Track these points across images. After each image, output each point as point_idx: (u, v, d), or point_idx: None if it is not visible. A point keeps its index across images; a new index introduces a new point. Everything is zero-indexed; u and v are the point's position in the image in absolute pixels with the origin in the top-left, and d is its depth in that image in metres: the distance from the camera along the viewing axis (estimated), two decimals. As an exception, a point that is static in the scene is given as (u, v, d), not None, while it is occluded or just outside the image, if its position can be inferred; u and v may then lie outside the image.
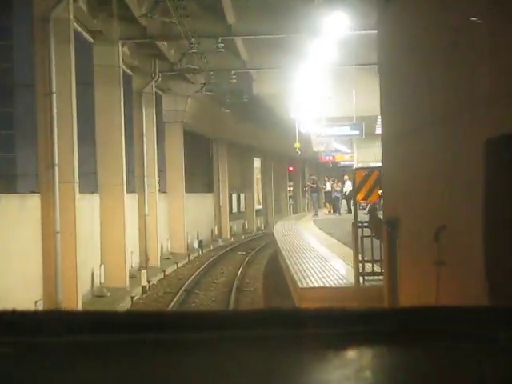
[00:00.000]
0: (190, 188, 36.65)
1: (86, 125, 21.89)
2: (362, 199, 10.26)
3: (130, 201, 25.20)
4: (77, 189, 15.55)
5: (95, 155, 21.33)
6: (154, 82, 26.35)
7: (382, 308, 1.88)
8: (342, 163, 50.36)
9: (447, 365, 1.25)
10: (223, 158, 41.35)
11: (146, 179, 25.94)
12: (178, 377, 1.24)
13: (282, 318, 1.40)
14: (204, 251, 32.40)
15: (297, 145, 33.97)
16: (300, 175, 65.28)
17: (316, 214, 33.98)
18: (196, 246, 31.46)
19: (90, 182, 21.33)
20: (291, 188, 61.83)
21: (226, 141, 41.27)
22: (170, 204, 31.42)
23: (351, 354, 1.33)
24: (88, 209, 19.66)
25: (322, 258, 12.87)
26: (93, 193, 20.75)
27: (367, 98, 28.97)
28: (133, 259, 23.83)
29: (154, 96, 26.85)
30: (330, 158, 46.72)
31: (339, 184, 36.44)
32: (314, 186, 34.25)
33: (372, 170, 11.00)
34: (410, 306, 1.61)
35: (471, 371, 1.23)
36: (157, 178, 26.73)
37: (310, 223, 27.51)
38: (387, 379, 1.20)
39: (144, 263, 25.66)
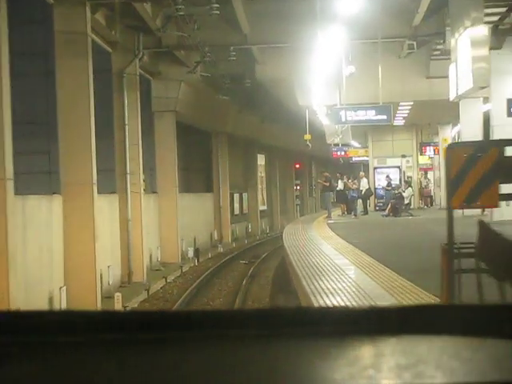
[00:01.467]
0: (186, 187, 32.59)
1: (48, 110, 17.54)
2: (465, 201, 5.71)
3: (109, 203, 20.94)
4: (9, 188, 11.21)
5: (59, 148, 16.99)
6: (137, 61, 21.99)
7: (387, 306, 1.42)
8: (354, 159, 46.13)
9: (452, 363, 1.23)
10: (223, 154, 37.00)
11: (128, 177, 21.61)
12: (180, 375, 1.24)
13: (286, 317, 1.39)
14: (201, 260, 28.04)
15: (307, 136, 29.65)
16: (307, 173, 60.91)
17: (329, 217, 29.63)
18: (191, 254, 27.08)
19: (51, 182, 16.97)
20: (298, 187, 57.51)
21: (227, 134, 36.88)
22: (160, 206, 27.11)
23: (356, 352, 1.31)
24: (44, 214, 15.34)
25: (366, 296, 8.43)
26: (54, 194, 16.37)
27: (388, 83, 24.58)
28: (110, 275, 19.50)
29: (139, 77, 22.46)
30: (342, 153, 42.40)
31: (355, 182, 32.12)
32: (327, 184, 29.82)
33: (486, 145, 6.46)
34: (414, 304, 1.80)
35: (475, 369, 1.21)
36: (142, 176, 22.36)
37: (325, 228, 23.15)
38: (393, 378, 1.18)
39: (126, 278, 21.35)
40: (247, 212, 42.59)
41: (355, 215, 30.41)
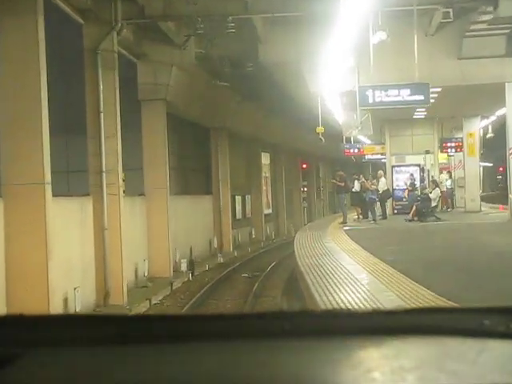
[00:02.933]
0: (182, 189, 28.77)
1: None
2: None
3: (80, 208, 17.04)
4: None
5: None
6: (115, 34, 18.01)
7: (390, 309, 1.46)
8: (368, 157, 42.12)
9: (455, 365, 1.22)
10: (224, 152, 33.00)
11: (104, 176, 17.69)
12: (182, 375, 1.24)
13: (290, 319, 1.39)
14: (197, 273, 24.09)
15: (319, 129, 25.64)
16: (314, 173, 56.89)
17: (345, 222, 25.66)
18: (184, 268, 23.07)
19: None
20: (305, 188, 53.49)
21: (227, 129, 32.85)
22: (148, 211, 23.19)
23: (359, 354, 1.30)
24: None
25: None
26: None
27: (413, 65, 20.60)
28: (78, 299, 15.52)
29: (118, 57, 18.48)
30: (355, 150, 38.40)
31: (374, 182, 28.16)
32: (342, 184, 25.84)
33: None
34: (417, 307, 1.86)
35: (478, 372, 1.20)
36: (121, 175, 18.40)
37: (344, 237, 19.20)
38: (396, 380, 1.17)
39: (102, 300, 17.39)
40: (250, 216, 38.69)
41: (374, 220, 26.45)
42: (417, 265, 11.07)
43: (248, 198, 38.55)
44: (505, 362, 1.23)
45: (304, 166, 52.75)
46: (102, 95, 17.66)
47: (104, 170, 17.67)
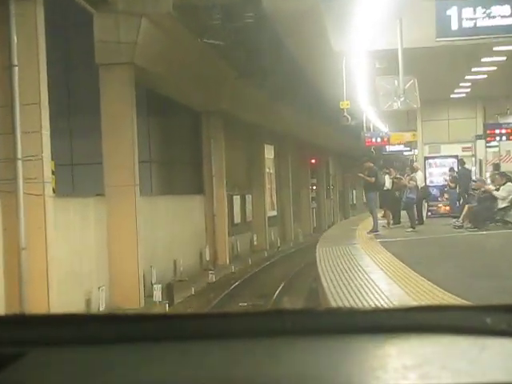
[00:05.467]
0: (165, 188, 23.45)
1: None
2: None
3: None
4: None
5: None
6: None
7: (392, 307, 1.67)
8: (390, 149, 35.91)
9: (457, 363, 1.22)
10: (218, 143, 26.92)
11: (20, 168, 11.33)
12: (182, 374, 1.23)
13: (293, 318, 1.39)
14: (179, 300, 17.81)
15: (344, 104, 19.31)
16: (324, 170, 50.70)
17: (375, 230, 19.29)
18: (159, 296, 16.59)
19: None
20: (314, 187, 47.40)
21: (222, 114, 26.60)
22: (110, 217, 16.86)
23: (361, 353, 1.30)
24: None
25: None
26: None
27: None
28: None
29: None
30: (378, 139, 31.99)
31: (413, 177, 21.83)
32: (372, 180, 19.40)
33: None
34: (419, 305, 1.76)
35: (480, 370, 1.20)
36: (49, 166, 12.01)
37: (388, 257, 12.92)
38: (398, 379, 1.17)
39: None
40: (251, 219, 32.89)
41: (413, 227, 20.06)
42: None
43: (248, 198, 32.78)
44: (507, 360, 1.22)
45: (313, 161, 46.64)
46: (14, 39, 11.29)
47: (19, 157, 11.33)
